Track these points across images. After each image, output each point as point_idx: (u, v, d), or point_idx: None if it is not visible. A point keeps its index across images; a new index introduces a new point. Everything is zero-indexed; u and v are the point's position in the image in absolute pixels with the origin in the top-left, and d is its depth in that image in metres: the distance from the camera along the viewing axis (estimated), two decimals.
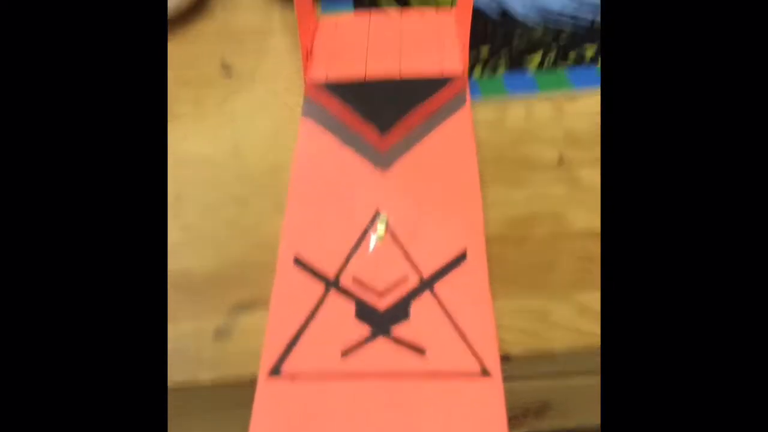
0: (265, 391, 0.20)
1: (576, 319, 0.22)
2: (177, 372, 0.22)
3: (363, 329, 0.21)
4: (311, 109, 0.29)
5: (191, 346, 0.22)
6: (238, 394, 0.22)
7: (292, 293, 0.22)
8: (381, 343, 0.21)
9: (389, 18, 0.35)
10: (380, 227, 0.24)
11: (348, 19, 0.35)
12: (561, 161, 0.28)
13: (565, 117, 0.30)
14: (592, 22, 0.34)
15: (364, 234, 0.24)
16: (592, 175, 0.27)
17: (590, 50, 0.33)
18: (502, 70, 0.32)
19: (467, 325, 0.21)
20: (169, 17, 0.35)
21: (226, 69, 0.33)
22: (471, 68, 0.32)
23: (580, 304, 0.23)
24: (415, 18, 0.35)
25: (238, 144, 0.29)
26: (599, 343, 0.21)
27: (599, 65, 0.32)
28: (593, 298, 0.23)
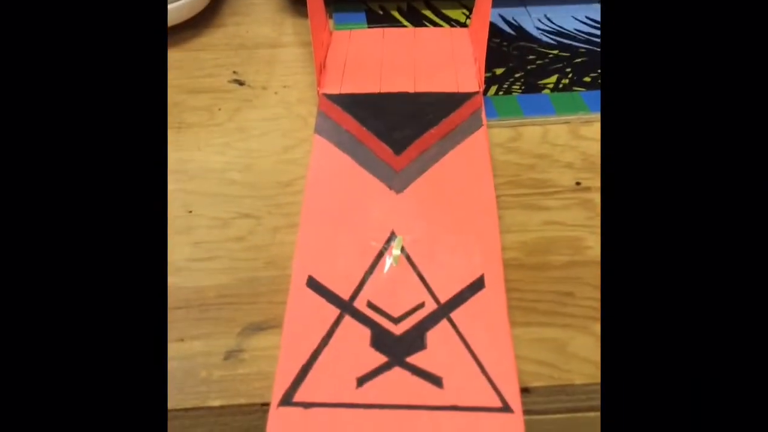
0: (278, 421, 0.19)
1: (594, 351, 0.22)
2: (185, 395, 0.21)
3: (378, 357, 0.21)
4: (325, 125, 0.29)
5: (201, 367, 0.22)
6: (248, 419, 0.21)
7: (305, 316, 0.22)
8: (397, 372, 0.20)
9: (403, 34, 0.35)
10: (396, 250, 0.24)
11: (362, 33, 0.35)
12: (578, 186, 0.27)
13: (582, 141, 0.30)
14: None
15: (380, 256, 0.24)
16: None
17: None
18: (517, 92, 0.32)
19: (486, 357, 0.20)
20: (176, 24, 0.34)
21: (238, 80, 0.33)
22: (486, 87, 0.32)
23: (598, 335, 0.22)
24: (429, 35, 0.34)
25: (250, 157, 0.29)
26: None
27: None
28: None
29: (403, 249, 0.24)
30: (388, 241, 0.24)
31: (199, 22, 0.36)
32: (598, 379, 0.21)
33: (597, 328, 0.22)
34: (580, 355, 0.22)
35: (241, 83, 0.33)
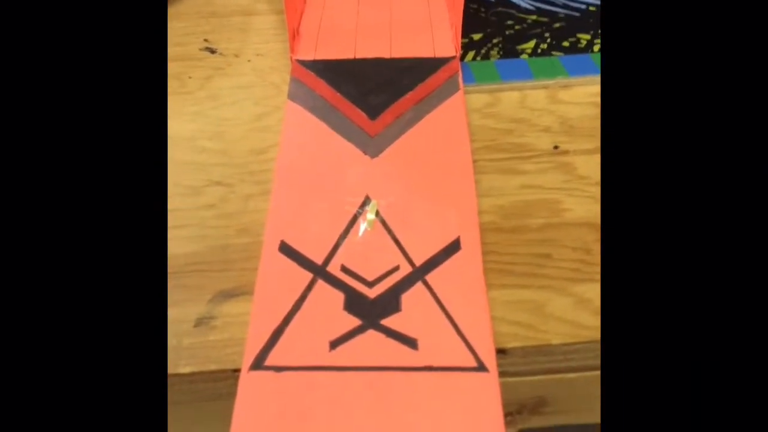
0: (249, 385, 0.19)
1: (572, 311, 0.22)
2: None
3: (352, 320, 0.20)
4: (298, 91, 0.28)
5: (171, 335, 0.21)
6: (219, 385, 0.21)
7: (277, 281, 0.21)
8: (371, 335, 0.20)
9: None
10: (370, 214, 0.23)
11: None
12: (556, 149, 0.27)
13: (560, 105, 0.29)
14: (585, 10, 0.34)
15: (354, 221, 0.23)
16: (587, 164, 0.26)
17: (584, 38, 0.32)
18: (495, 57, 0.31)
19: (461, 317, 0.20)
20: None
21: (210, 48, 0.32)
22: (463, 53, 0.31)
23: (577, 296, 0.22)
24: (405, 0, 0.34)
25: (222, 124, 0.28)
26: (597, 337, 0.21)
27: (592, 53, 0.31)
28: (590, 290, 0.22)
29: (377, 213, 0.23)
30: (363, 205, 0.24)
31: None
32: (576, 339, 0.21)
33: (575, 289, 0.22)
34: (556, 315, 0.21)
35: (212, 51, 0.32)
